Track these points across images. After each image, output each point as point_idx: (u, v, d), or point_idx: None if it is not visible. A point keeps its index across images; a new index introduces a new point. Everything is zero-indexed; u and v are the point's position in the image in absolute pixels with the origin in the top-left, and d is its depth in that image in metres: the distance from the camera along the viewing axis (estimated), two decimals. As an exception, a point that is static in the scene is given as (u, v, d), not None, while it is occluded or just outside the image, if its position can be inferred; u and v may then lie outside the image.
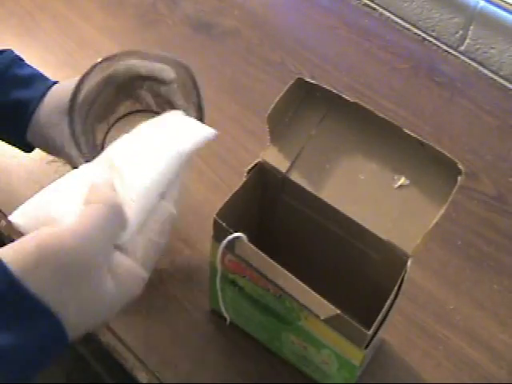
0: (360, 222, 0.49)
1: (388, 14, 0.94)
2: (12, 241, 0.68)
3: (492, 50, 0.85)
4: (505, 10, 0.80)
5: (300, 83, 0.52)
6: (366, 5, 0.96)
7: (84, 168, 0.43)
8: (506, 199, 0.72)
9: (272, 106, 0.51)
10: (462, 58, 0.89)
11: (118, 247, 0.40)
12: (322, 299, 0.45)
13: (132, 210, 0.40)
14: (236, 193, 0.51)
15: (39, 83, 0.60)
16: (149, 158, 0.42)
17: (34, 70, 0.62)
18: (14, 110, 0.58)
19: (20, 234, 0.67)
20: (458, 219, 0.70)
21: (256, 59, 0.87)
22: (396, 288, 0.47)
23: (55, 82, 0.60)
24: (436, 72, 0.86)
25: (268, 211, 0.51)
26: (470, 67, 0.88)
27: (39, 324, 0.35)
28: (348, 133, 0.53)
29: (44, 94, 0.58)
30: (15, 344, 0.34)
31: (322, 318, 0.45)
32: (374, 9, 0.95)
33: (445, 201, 0.47)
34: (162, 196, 0.42)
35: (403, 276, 0.47)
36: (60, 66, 0.86)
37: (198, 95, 0.56)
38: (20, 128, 0.59)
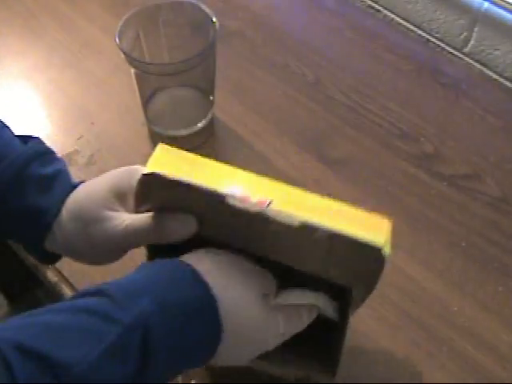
0: None
1: (392, 16, 0.94)
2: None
3: (496, 52, 0.85)
4: (509, 11, 0.80)
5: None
6: (370, 6, 0.96)
7: None
8: (510, 200, 0.72)
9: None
10: (467, 59, 0.88)
11: None
12: None
13: None
14: None
15: (60, 184, 0.52)
16: None
17: (59, 164, 0.54)
18: (30, 216, 0.50)
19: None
20: (462, 220, 0.70)
21: (260, 61, 0.87)
22: None
23: (79, 183, 0.53)
24: (440, 73, 0.86)
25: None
26: (475, 69, 0.88)
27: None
28: None
29: (63, 201, 0.51)
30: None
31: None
32: (379, 10, 0.95)
33: None
34: None
35: None
36: (64, 67, 0.86)
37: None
38: (38, 235, 0.51)
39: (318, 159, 0.75)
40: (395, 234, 0.68)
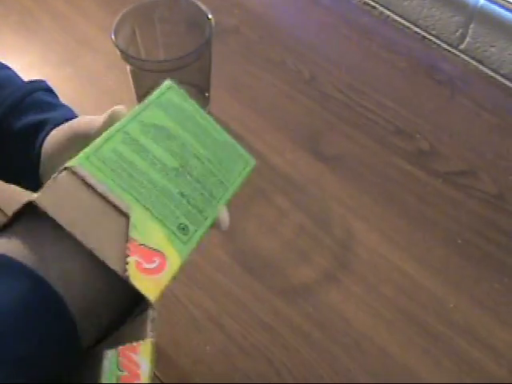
0: None
1: (388, 13, 0.94)
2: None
3: (492, 49, 0.85)
4: (505, 8, 0.80)
5: None
6: (366, 3, 0.96)
7: None
8: (506, 197, 0.72)
9: None
10: (462, 56, 0.89)
11: None
12: None
13: None
14: None
15: (63, 108, 0.52)
16: None
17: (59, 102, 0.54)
18: (30, 130, 0.49)
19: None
20: (458, 217, 0.70)
21: (256, 58, 0.87)
22: None
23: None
24: (436, 70, 0.86)
25: None
26: (470, 66, 0.88)
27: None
28: None
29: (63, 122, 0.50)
30: None
31: None
32: (374, 7, 0.95)
33: None
34: None
35: None
36: (60, 64, 0.86)
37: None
38: (33, 152, 0.49)
39: (313, 156, 0.75)
40: (391, 230, 0.69)
